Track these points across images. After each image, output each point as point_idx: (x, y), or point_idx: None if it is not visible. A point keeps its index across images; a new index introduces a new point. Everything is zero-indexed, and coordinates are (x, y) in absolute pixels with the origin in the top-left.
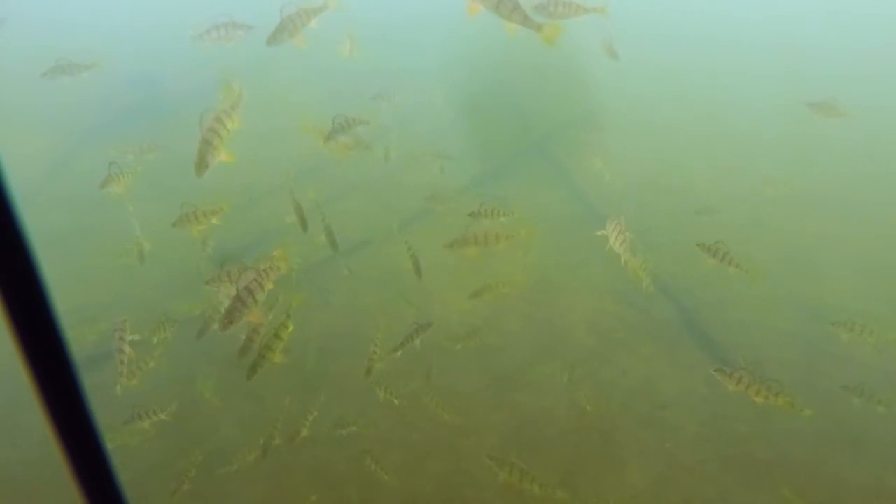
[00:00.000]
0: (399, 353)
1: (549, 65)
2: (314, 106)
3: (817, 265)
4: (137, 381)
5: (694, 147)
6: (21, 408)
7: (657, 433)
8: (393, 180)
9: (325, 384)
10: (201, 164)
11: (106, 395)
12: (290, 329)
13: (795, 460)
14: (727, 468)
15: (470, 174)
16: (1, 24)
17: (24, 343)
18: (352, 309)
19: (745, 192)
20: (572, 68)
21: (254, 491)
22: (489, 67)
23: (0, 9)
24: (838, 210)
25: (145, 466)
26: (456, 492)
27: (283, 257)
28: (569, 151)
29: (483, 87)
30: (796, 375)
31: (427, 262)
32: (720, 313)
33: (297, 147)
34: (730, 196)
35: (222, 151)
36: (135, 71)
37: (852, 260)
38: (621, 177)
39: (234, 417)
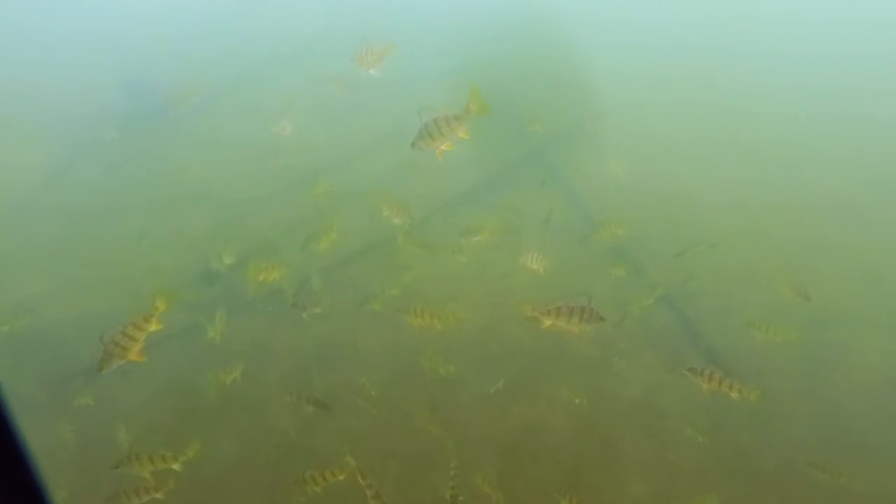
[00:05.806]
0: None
1: (549, 72)
2: (315, 108)
3: (816, 272)
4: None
5: (692, 155)
6: None
7: (658, 443)
8: (394, 190)
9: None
10: (103, 367)
11: (105, 408)
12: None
13: (798, 469)
14: (729, 478)
15: (468, 182)
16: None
17: None
18: (349, 320)
19: (743, 199)
20: (572, 75)
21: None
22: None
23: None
24: (836, 217)
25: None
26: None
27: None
28: (566, 159)
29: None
30: (798, 384)
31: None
32: (721, 322)
33: (290, 159)
34: (728, 204)
35: (130, 355)
36: (132, 80)
37: (851, 267)
38: (618, 184)
39: (234, 427)
